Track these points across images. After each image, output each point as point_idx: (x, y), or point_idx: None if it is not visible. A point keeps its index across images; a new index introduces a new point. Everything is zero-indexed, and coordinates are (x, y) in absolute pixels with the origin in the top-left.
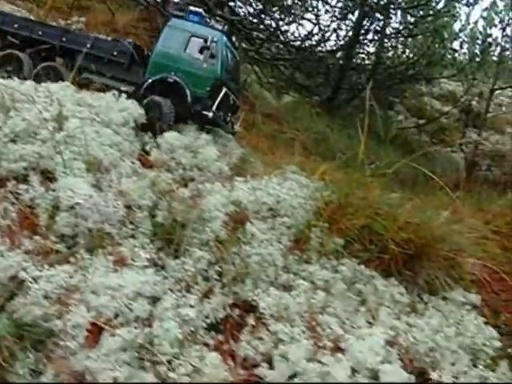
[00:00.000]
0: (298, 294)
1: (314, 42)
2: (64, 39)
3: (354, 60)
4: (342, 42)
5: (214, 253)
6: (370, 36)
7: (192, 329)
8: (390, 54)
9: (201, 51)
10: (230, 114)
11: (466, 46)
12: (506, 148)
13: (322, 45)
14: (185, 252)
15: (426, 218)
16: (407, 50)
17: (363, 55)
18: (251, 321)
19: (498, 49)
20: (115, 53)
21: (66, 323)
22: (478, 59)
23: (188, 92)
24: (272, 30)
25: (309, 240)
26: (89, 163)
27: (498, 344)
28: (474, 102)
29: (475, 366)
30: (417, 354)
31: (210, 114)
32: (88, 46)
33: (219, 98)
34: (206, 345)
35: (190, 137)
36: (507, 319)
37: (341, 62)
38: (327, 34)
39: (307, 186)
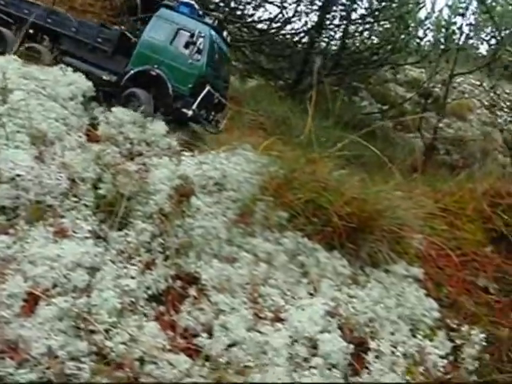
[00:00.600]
0: (240, 266)
1: (278, 25)
2: (49, 20)
3: (319, 45)
4: (308, 26)
5: (157, 225)
6: (335, 21)
7: (132, 299)
8: (355, 39)
9: (186, 46)
10: (213, 113)
11: (430, 33)
12: (468, 134)
13: (287, 28)
14: (128, 224)
15: (372, 194)
16: (372, 36)
17: (328, 40)
18: (193, 292)
19: (463, 37)
20: (100, 39)
21: (1, 293)
22: (441, 46)
23: (170, 87)
24: (232, 10)
25: (253, 214)
26: (33, 136)
27: (437, 315)
28: (437, 89)
29: (414, 335)
30: (357, 324)
31: (190, 113)
32: (73, 29)
33: (201, 96)
34: (146, 315)
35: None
36: (449, 292)
37: (305, 46)
38: (291, 18)
39: (255, 161)
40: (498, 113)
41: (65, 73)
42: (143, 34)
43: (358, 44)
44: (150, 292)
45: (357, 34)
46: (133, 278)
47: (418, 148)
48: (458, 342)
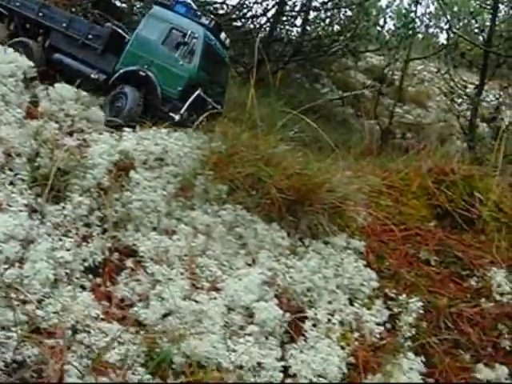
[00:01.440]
0: (179, 238)
1: (237, 11)
2: (41, 14)
3: (280, 31)
4: (268, 14)
5: (95, 199)
6: (296, 8)
7: (67, 271)
8: (315, 26)
9: (177, 47)
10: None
11: (391, 21)
12: (426, 120)
13: (248, 15)
14: (65, 198)
15: (313, 169)
16: (333, 23)
17: (289, 27)
18: (130, 264)
19: (423, 26)
20: (90, 36)
21: None
22: (401, 34)
23: (159, 89)
24: None
25: (193, 187)
26: None
27: (375, 284)
28: (396, 76)
29: (352, 304)
30: (294, 294)
31: (177, 117)
32: (64, 25)
33: (190, 101)
34: (82, 287)
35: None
36: (391, 264)
37: (266, 33)
38: (252, 5)
39: (196, 137)
40: (456, 100)
41: (5, 51)
42: (135, 32)
43: (318, 31)
44: (86, 264)
45: (318, 21)
46: (68, 250)
47: (375, 132)
48: (396, 310)
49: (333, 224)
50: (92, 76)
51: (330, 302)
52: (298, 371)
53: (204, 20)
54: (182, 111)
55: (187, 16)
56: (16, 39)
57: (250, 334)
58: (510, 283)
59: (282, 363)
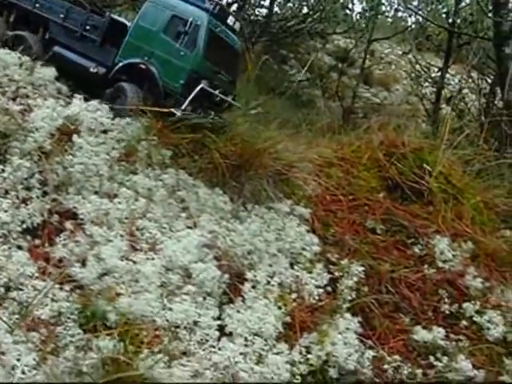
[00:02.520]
0: (120, 201)
1: None
2: (37, 5)
3: (247, 12)
4: None
5: (36, 162)
6: None
7: (4, 232)
8: (283, 7)
9: (178, 36)
10: (213, 112)
11: (359, 4)
12: (392, 102)
13: None
14: (5, 161)
15: (262, 137)
16: (301, 5)
17: (256, 7)
18: (70, 226)
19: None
20: (88, 27)
21: None
22: (368, 17)
23: (160, 83)
24: None
25: (137, 153)
26: None
27: (317, 249)
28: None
29: (293, 267)
30: (234, 256)
31: (178, 113)
32: (61, 15)
33: (192, 95)
34: (19, 247)
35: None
36: (336, 231)
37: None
38: None
39: None
40: (422, 83)
41: None
42: (134, 20)
43: (286, 12)
44: (24, 226)
45: (285, 2)
46: (6, 211)
47: (338, 112)
48: (337, 274)
49: (279, 191)
50: (91, 70)
51: (270, 265)
52: (233, 330)
53: (208, 5)
54: (184, 106)
55: (189, 1)
56: (13, 33)
57: (186, 294)
58: (452, 251)
59: (219, 322)
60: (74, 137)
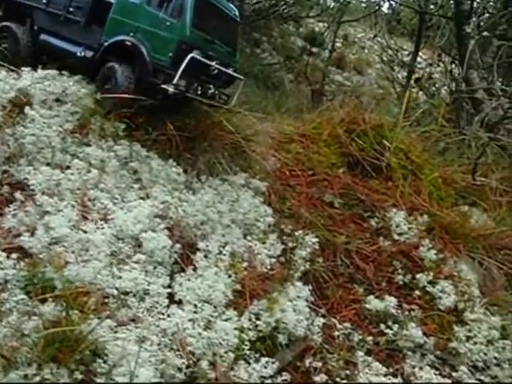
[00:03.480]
0: (72, 172)
1: None
2: None
3: None
4: None
5: None
6: None
7: None
8: None
9: (160, 5)
10: (215, 86)
11: None
12: (364, 87)
13: None
14: None
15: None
16: None
17: None
18: (20, 197)
19: None
20: (71, 9)
21: None
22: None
23: (148, 59)
24: None
25: (90, 125)
26: None
27: (271, 220)
28: (338, 44)
29: (245, 238)
30: (187, 227)
31: (171, 89)
32: (44, 1)
33: (182, 68)
34: None
35: None
36: (293, 205)
37: None
38: None
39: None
40: (394, 67)
41: None
42: None
43: None
44: None
45: None
46: None
47: (309, 95)
48: (291, 244)
49: (235, 165)
50: (78, 54)
51: (223, 235)
52: (183, 297)
53: None
54: (175, 81)
55: None
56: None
57: (136, 263)
58: (408, 224)
59: (169, 290)
60: (26, 109)
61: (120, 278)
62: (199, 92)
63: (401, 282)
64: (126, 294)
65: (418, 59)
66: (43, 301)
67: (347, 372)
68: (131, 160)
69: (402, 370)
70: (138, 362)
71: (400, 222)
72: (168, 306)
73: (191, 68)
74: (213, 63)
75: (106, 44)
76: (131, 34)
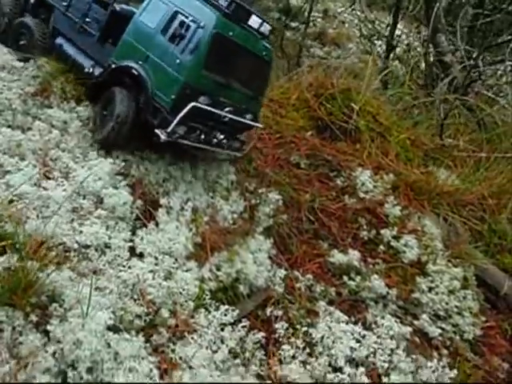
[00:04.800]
0: (34, 134)
1: None
2: None
3: None
4: None
5: None
6: None
7: None
8: None
9: (173, 37)
10: (223, 134)
11: None
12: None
13: None
14: None
15: None
16: None
17: None
18: None
19: None
20: (89, 19)
21: None
22: None
23: (150, 95)
24: None
25: (52, 88)
26: None
27: (233, 178)
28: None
29: (208, 194)
30: (149, 184)
31: (163, 137)
32: (64, 3)
33: (180, 115)
34: None
35: None
36: (259, 165)
37: None
38: None
39: None
40: (376, 42)
41: None
42: (134, 16)
43: None
44: None
45: None
46: None
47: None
48: (254, 201)
49: None
50: (85, 70)
51: (185, 192)
52: (144, 250)
53: (222, 2)
54: (170, 129)
55: None
56: (19, 19)
57: (98, 218)
58: (374, 182)
59: (130, 244)
60: None
61: (81, 232)
62: (202, 139)
63: (366, 238)
64: (87, 247)
65: (398, 32)
66: (1, 253)
67: (308, 320)
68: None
69: (363, 320)
70: (95, 307)
71: (366, 181)
72: (129, 259)
73: (194, 114)
74: (222, 112)
75: (113, 66)
76: (140, 63)
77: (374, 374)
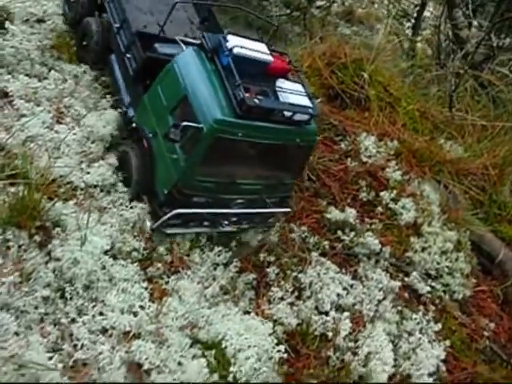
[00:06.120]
0: (49, 82)
1: None
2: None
3: None
4: None
5: None
6: None
7: None
8: None
9: (176, 127)
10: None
11: None
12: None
13: None
14: None
15: None
16: None
17: None
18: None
19: None
20: (129, 54)
21: None
22: None
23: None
24: None
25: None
26: None
27: None
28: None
29: None
30: None
31: (149, 224)
32: (117, 25)
33: (163, 219)
34: None
35: None
36: None
37: None
38: None
39: None
40: (405, 23)
41: None
42: (154, 82)
43: None
44: None
45: None
46: None
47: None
48: None
49: None
50: (123, 107)
51: None
52: None
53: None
54: (155, 226)
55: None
56: (87, 19)
57: (105, 161)
58: (378, 148)
59: None
60: (7, 23)
61: (88, 173)
62: (205, 225)
63: (364, 199)
64: (94, 187)
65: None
66: (12, 184)
67: (299, 268)
68: (103, 74)
69: (354, 273)
70: (96, 235)
71: (369, 146)
72: (131, 201)
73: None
74: (225, 209)
75: (133, 125)
76: (150, 135)
77: (359, 321)
